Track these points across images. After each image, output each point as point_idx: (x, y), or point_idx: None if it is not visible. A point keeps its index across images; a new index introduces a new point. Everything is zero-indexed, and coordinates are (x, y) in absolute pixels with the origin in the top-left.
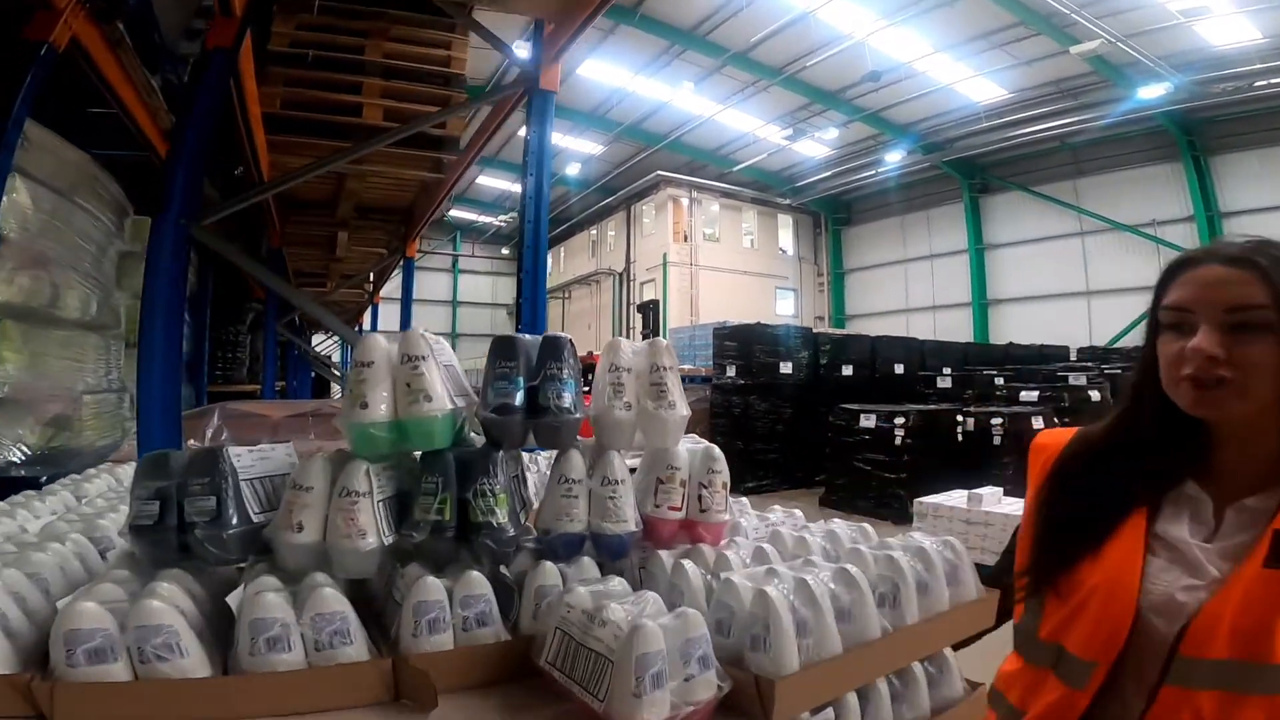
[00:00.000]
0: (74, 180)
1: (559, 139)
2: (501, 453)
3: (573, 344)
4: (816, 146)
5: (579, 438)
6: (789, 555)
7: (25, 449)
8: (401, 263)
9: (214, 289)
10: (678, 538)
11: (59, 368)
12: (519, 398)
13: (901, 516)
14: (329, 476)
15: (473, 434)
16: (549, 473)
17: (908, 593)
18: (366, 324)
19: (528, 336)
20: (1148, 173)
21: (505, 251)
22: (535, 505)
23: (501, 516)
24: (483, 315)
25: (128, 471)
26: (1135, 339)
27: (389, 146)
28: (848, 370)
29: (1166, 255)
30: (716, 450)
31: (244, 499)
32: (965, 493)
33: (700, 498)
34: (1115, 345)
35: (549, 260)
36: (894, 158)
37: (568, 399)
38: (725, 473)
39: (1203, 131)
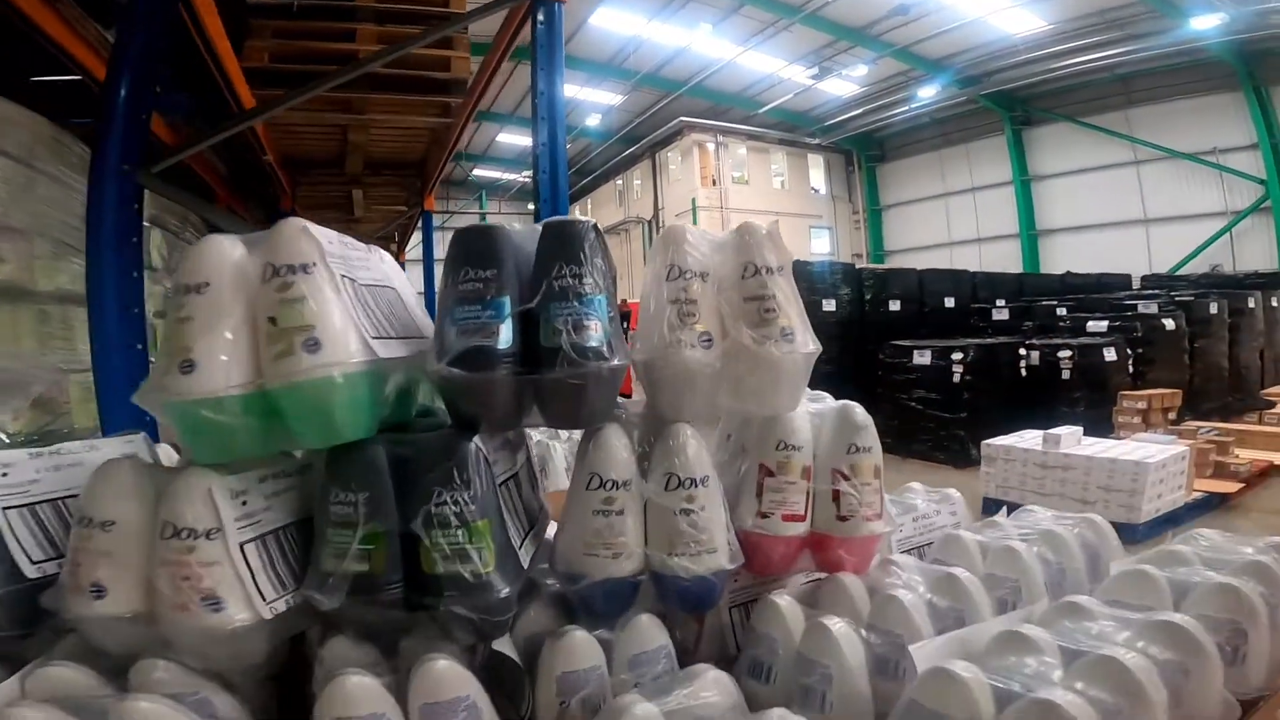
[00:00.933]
0: (29, 145)
1: (575, 90)
2: (475, 442)
3: (599, 233)
4: (845, 85)
5: (619, 401)
6: (985, 578)
7: (3, 436)
8: (421, 218)
9: None
10: (798, 561)
11: (37, 346)
12: (505, 333)
13: (962, 460)
14: (146, 501)
15: (439, 402)
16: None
17: (1258, 640)
18: None
19: (517, 226)
20: (1206, 102)
21: (531, 207)
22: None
23: (481, 561)
24: None
25: None
26: (1201, 265)
27: (392, 94)
28: (895, 306)
29: (1231, 182)
30: (858, 411)
31: (5, 540)
32: (1040, 433)
33: (837, 495)
34: (1179, 273)
35: (576, 211)
36: (928, 93)
37: (595, 330)
38: (876, 449)
39: (1261, 62)
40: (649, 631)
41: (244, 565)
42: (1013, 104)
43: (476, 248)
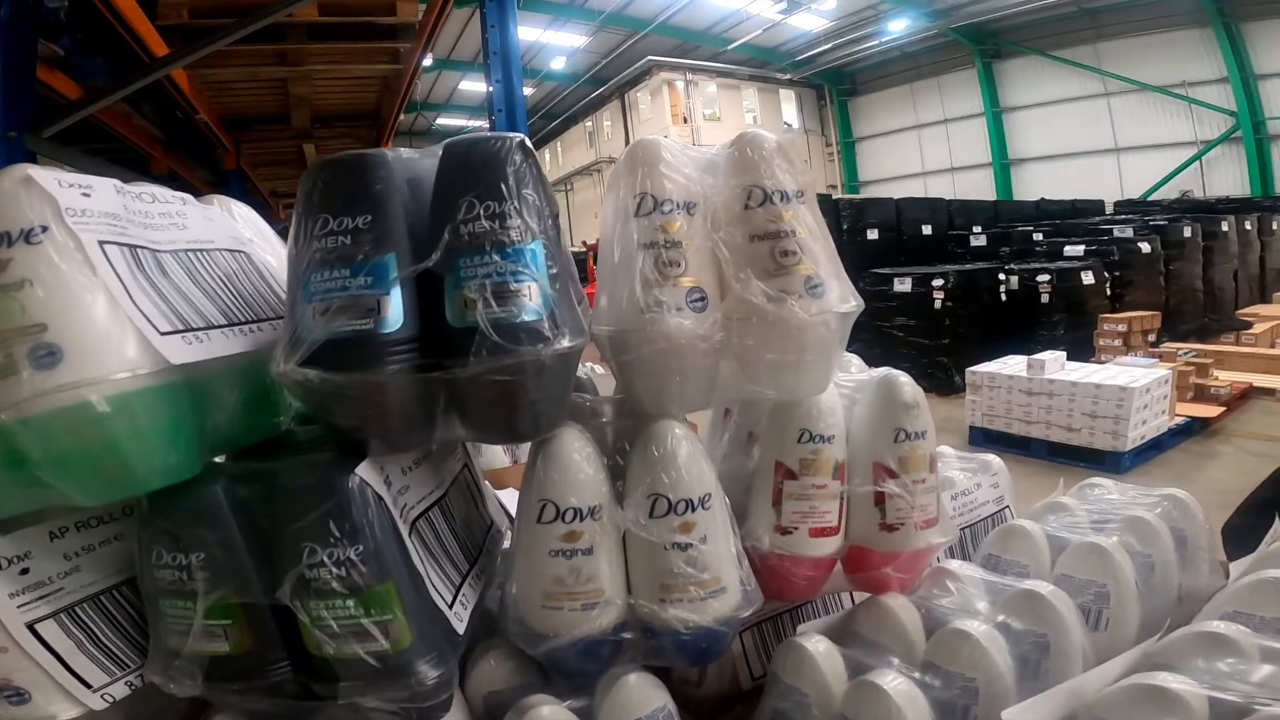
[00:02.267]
0: None
1: (538, 34)
2: (359, 474)
3: (529, 153)
4: (814, 19)
5: (581, 393)
6: (1060, 579)
7: None
8: None
9: None
10: (827, 581)
11: None
12: (391, 309)
13: (946, 388)
14: None
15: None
16: (522, 482)
17: None
18: None
19: (405, 153)
20: (1175, 37)
21: None
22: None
23: (387, 639)
24: None
25: None
26: (1171, 192)
27: (334, 43)
28: (873, 235)
29: (1200, 114)
30: (905, 383)
31: None
32: (1024, 359)
33: (881, 499)
34: (1150, 199)
35: (546, 156)
36: (898, 26)
37: (528, 297)
38: (931, 434)
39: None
40: (641, 694)
41: (41, 650)
42: (983, 37)
43: (340, 185)
